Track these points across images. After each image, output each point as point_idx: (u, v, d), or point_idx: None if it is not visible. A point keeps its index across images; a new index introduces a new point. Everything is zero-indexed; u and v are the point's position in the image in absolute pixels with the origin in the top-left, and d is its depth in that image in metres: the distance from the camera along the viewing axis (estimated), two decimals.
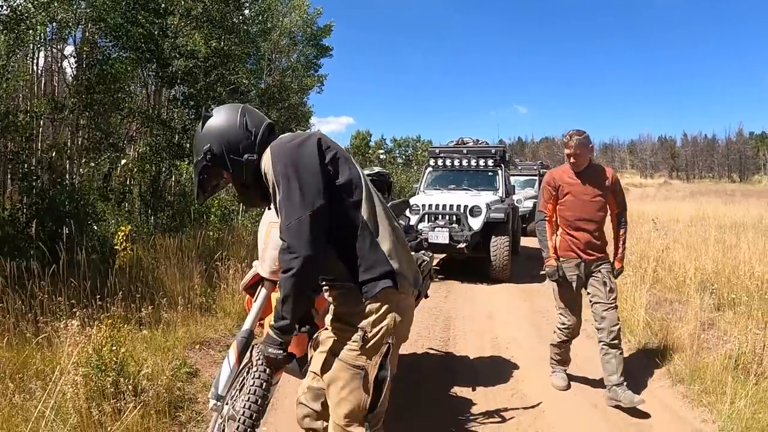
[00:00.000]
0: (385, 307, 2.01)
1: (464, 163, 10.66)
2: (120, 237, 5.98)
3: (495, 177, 10.64)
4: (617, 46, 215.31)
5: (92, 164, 10.06)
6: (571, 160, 4.19)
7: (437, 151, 11.09)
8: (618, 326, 4.10)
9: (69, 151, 9.45)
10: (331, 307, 2.22)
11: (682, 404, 4.08)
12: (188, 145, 10.98)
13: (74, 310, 3.96)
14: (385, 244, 2.02)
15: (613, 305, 4.12)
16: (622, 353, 4.11)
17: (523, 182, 17.55)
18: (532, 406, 4.07)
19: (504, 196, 10.28)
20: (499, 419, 3.86)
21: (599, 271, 4.19)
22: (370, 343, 2.00)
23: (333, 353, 2.08)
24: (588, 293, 4.26)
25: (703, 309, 5.70)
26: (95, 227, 7.64)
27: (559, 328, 4.40)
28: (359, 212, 2.01)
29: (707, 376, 4.26)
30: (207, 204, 10.07)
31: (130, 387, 3.27)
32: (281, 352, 2.01)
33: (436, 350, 5.55)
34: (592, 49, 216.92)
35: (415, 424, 3.74)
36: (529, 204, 15.84)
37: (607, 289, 4.13)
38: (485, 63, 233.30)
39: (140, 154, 11.06)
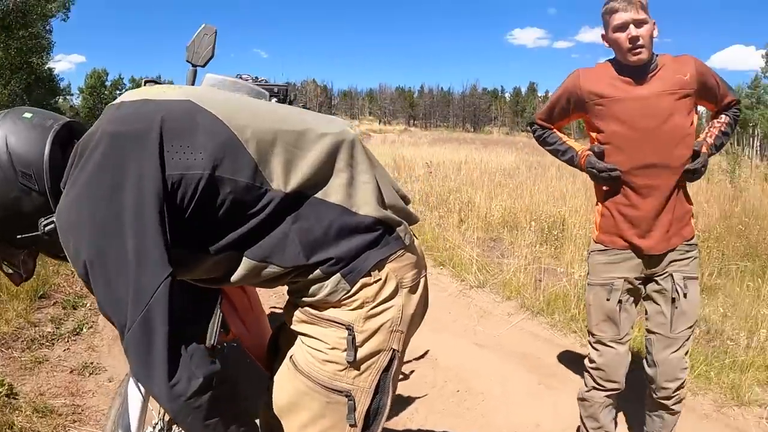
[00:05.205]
0: (387, 287, 1.30)
1: None
2: None
3: None
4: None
5: None
6: (627, 41, 2.26)
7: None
8: (680, 383, 2.44)
9: None
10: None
11: (552, 333, 4.45)
12: None
13: None
14: (334, 195, 1.28)
15: (677, 341, 2.41)
16: (676, 414, 2.54)
17: None
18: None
19: None
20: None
21: (669, 276, 2.40)
22: (361, 352, 1.28)
23: (294, 363, 1.33)
24: (645, 314, 2.55)
25: (528, 245, 6.20)
26: None
27: (588, 369, 2.58)
28: (264, 185, 1.21)
29: (561, 305, 4.74)
30: None
31: None
32: None
33: None
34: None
35: None
36: None
37: (675, 311, 2.39)
38: (227, 3, 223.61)
39: None
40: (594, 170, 2.41)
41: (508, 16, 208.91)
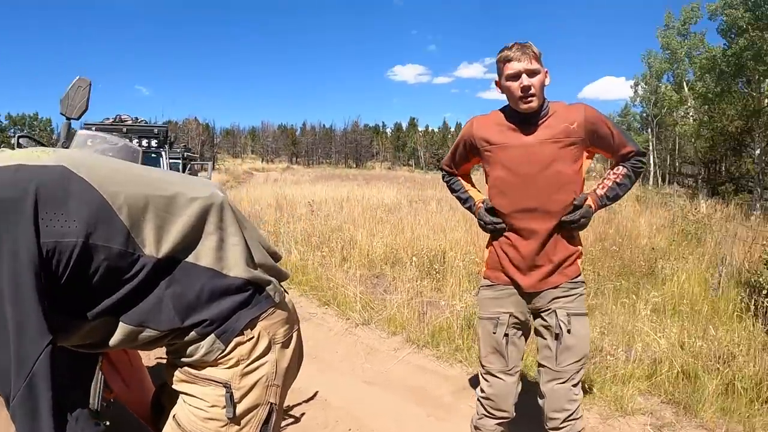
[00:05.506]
0: (260, 344, 1.38)
1: None
2: None
3: (159, 159, 10.04)
4: (242, 37, 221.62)
5: None
6: (519, 90, 2.37)
7: (93, 128, 9.76)
8: (568, 413, 2.48)
9: None
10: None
11: (439, 364, 4.60)
12: None
13: None
14: (205, 258, 1.34)
15: (563, 375, 2.48)
16: None
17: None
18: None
19: None
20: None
21: (553, 313, 2.50)
22: (240, 407, 1.34)
23: (177, 423, 1.37)
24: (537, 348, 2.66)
25: (410, 280, 6.39)
26: None
27: (479, 398, 2.69)
28: (137, 251, 1.24)
29: (446, 336, 4.92)
30: None
31: None
32: None
33: None
34: (216, 37, 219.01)
35: None
36: None
37: (559, 345, 2.48)
38: (105, 40, 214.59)
39: None
40: (482, 222, 2.60)
41: (390, 53, 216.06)
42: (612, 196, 2.56)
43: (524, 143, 2.43)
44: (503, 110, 2.55)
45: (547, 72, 2.43)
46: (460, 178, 2.87)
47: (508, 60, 2.39)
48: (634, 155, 2.55)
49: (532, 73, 2.36)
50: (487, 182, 2.60)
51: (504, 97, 2.51)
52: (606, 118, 2.52)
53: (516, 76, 2.37)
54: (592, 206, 2.47)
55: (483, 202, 2.63)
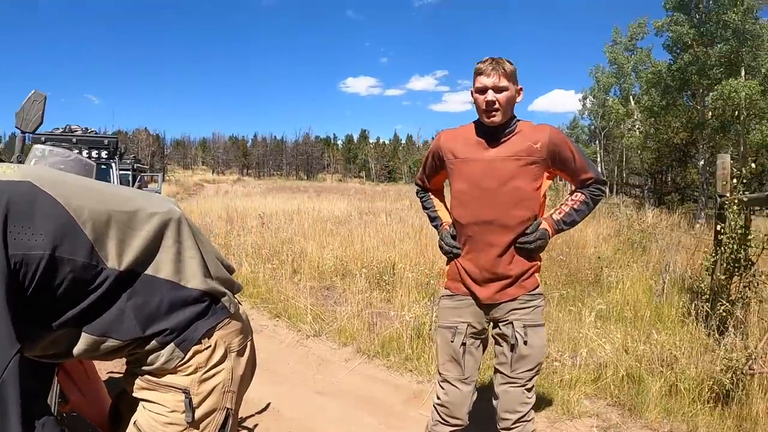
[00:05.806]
0: (216, 352, 1.46)
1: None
2: None
3: (109, 171, 9.86)
4: (194, 47, 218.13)
5: None
6: (483, 103, 2.46)
7: (42, 138, 9.52)
8: (520, 415, 2.57)
9: None
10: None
11: (389, 374, 4.65)
12: None
13: None
14: (164, 270, 1.41)
15: (517, 380, 2.56)
16: None
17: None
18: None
19: None
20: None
21: (510, 324, 2.56)
22: (198, 412, 1.42)
23: (138, 428, 1.44)
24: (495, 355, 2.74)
25: (360, 291, 6.43)
26: None
27: (434, 405, 2.74)
28: (100, 264, 1.30)
29: (396, 347, 4.97)
30: None
31: None
32: None
33: None
34: (169, 47, 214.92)
35: None
36: None
37: (514, 355, 2.55)
38: (54, 46, 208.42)
39: None
40: (443, 243, 2.71)
41: (342, 65, 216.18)
42: (569, 222, 2.64)
43: (486, 158, 2.52)
44: (474, 123, 2.64)
45: (520, 90, 2.54)
46: (432, 195, 2.97)
47: (480, 73, 2.48)
48: (594, 182, 2.64)
49: (498, 90, 2.45)
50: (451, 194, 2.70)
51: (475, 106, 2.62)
52: (571, 142, 2.61)
53: (483, 90, 2.47)
54: (548, 230, 2.56)
55: (450, 226, 2.73)
